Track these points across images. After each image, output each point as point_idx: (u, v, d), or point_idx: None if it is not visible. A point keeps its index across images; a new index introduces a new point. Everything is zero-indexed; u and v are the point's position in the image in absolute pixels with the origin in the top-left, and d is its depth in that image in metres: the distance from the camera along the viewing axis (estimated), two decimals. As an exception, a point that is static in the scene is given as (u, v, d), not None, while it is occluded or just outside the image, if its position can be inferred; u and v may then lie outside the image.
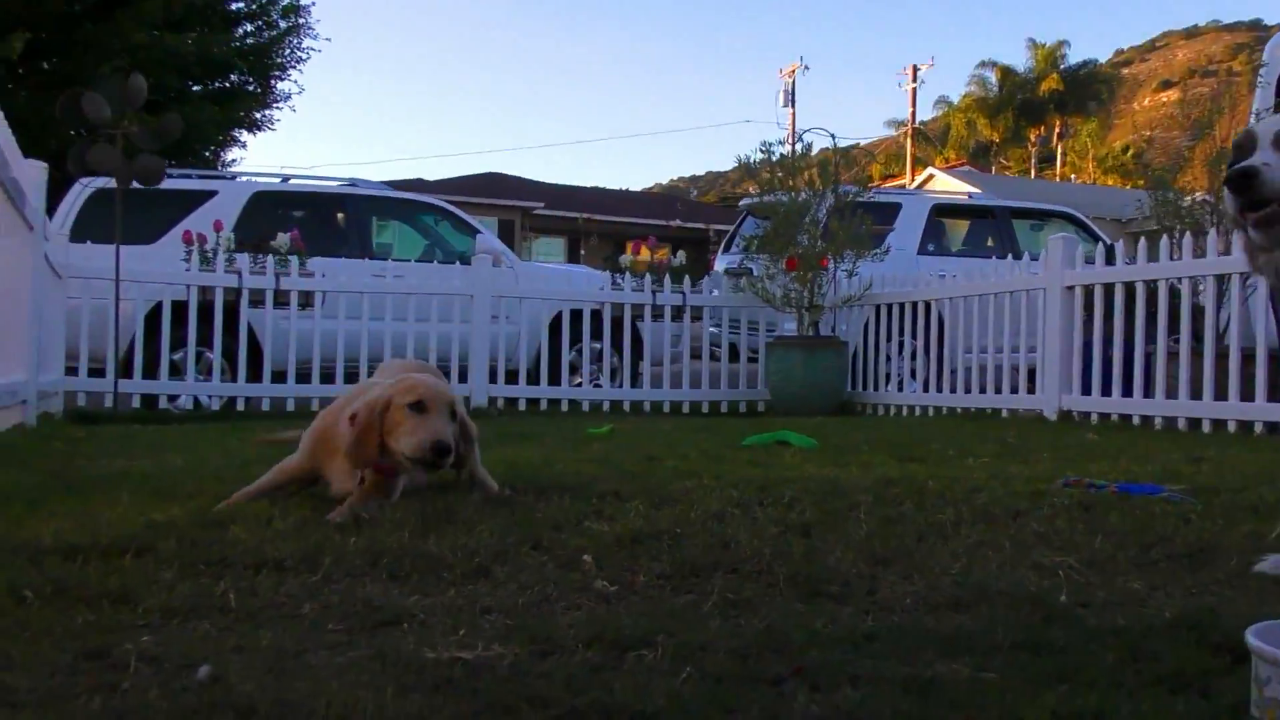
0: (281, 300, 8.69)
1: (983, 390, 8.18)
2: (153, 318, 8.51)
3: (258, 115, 21.57)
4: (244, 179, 10.89)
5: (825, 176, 9.79)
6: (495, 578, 2.13)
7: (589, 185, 44.94)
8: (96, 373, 8.22)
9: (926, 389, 8.88)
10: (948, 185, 29.53)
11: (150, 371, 8.48)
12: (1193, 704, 1.42)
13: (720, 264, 12.32)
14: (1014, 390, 7.97)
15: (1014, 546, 2.47)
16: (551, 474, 3.59)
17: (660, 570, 2.19)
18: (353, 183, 11.00)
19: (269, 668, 1.52)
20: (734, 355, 10.39)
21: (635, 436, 5.89)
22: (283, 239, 8.99)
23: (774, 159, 9.77)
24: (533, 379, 9.60)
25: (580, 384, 10.01)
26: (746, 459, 4.29)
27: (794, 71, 43.75)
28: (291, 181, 10.77)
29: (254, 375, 8.76)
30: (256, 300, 8.67)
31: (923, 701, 1.41)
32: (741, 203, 13.93)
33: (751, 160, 9.88)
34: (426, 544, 2.37)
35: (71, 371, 8.23)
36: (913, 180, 36.45)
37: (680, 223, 35.38)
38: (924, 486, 3.35)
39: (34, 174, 5.64)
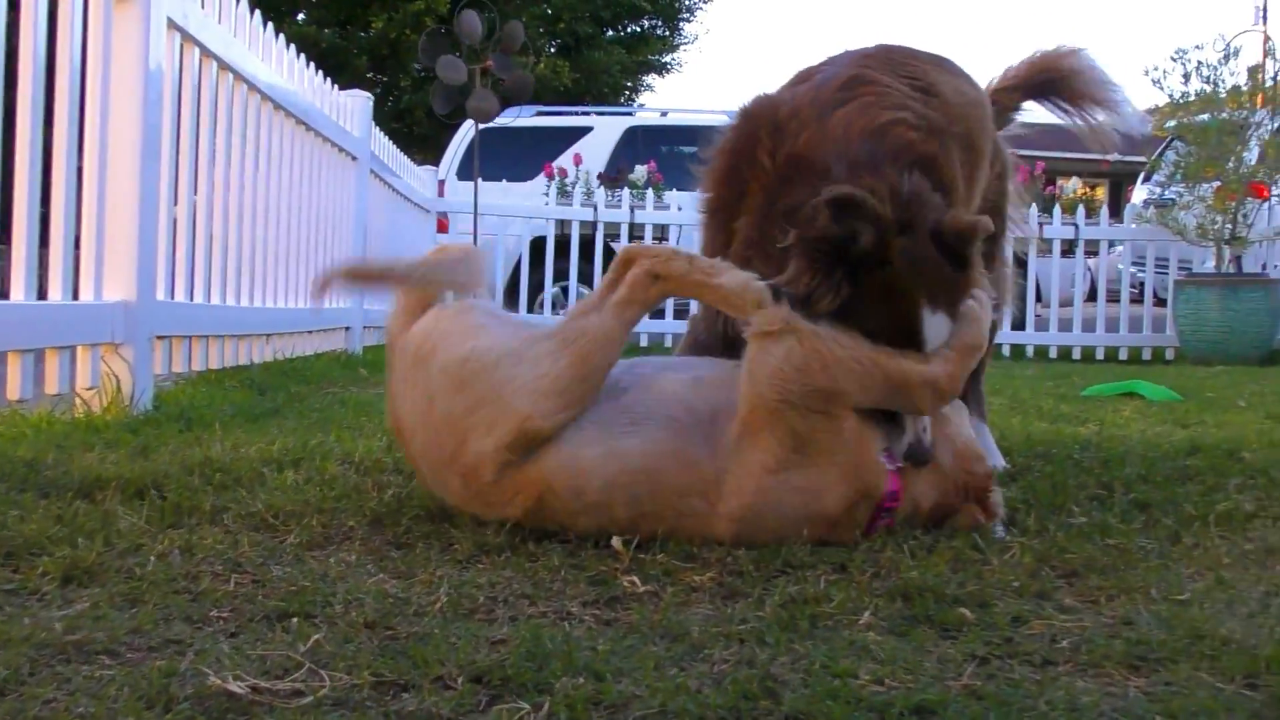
0: (637, 235, 8.53)
1: None
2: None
3: (665, 59, 21.89)
4: (620, 115, 10.89)
5: (1257, 88, 8.15)
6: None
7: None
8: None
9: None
10: None
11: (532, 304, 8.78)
12: None
13: (1138, 194, 10.97)
14: None
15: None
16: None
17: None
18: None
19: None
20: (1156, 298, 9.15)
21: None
22: (640, 171, 8.84)
23: (1189, 71, 8.25)
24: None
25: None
26: (1063, 413, 3.45)
27: (1269, -19, 38.21)
28: (670, 115, 10.59)
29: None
30: (612, 235, 8.56)
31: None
32: (1166, 124, 12.21)
33: (1160, 74, 8.40)
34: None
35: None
36: None
37: (1120, 157, 32.25)
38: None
39: (355, 105, 5.75)
